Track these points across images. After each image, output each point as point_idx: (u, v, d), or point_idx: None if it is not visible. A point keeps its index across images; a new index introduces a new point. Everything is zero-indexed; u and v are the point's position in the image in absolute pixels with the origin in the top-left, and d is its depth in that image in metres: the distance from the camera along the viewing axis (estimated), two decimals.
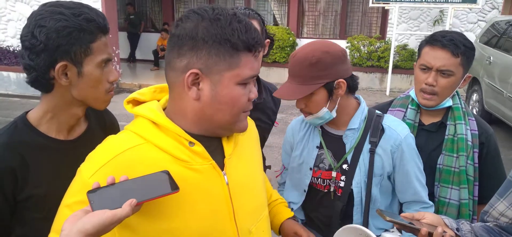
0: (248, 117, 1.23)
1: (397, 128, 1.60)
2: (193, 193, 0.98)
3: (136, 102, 1.09)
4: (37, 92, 1.22)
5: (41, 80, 1.15)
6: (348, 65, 1.55)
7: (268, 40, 1.91)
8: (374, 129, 1.59)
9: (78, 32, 1.12)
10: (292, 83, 1.53)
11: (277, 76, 10.36)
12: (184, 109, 1.01)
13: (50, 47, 1.10)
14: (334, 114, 1.56)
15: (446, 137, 1.72)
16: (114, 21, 9.64)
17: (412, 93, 1.79)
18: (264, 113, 2.01)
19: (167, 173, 0.93)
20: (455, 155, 1.68)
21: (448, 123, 1.73)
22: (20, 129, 1.19)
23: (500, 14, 9.39)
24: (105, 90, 1.23)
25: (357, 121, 1.60)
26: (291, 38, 10.56)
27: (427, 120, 1.79)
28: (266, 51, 1.90)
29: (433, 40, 1.66)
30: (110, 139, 1.02)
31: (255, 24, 1.80)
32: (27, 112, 1.25)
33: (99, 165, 0.94)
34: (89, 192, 0.85)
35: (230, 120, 1.02)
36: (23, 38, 1.13)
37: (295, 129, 1.77)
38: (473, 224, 1.26)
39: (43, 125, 1.22)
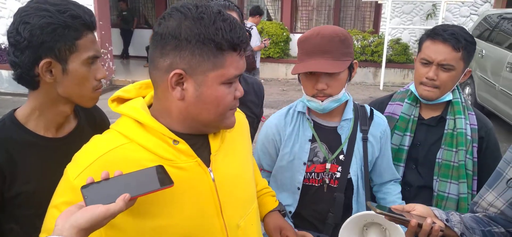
0: (239, 109, 1.23)
1: (380, 115, 1.70)
2: (179, 190, 0.97)
3: (121, 100, 1.07)
4: None
5: (26, 77, 1.15)
6: None
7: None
8: (362, 118, 1.63)
9: (62, 29, 1.11)
10: (324, 59, 1.46)
11: (271, 71, 10.36)
12: (169, 108, 0.99)
13: (34, 44, 1.10)
14: (347, 96, 1.59)
15: (445, 131, 1.72)
16: (107, 17, 9.55)
17: (412, 87, 1.79)
18: (245, 106, 1.94)
19: (162, 167, 0.93)
20: (454, 150, 1.69)
21: (447, 117, 1.73)
22: (8, 127, 1.18)
23: (492, 8, 9.44)
24: (92, 87, 1.23)
25: (350, 110, 1.63)
26: (284, 33, 10.56)
27: (427, 114, 1.79)
28: None
29: (434, 34, 1.65)
30: (95, 139, 1.01)
31: (234, 16, 1.78)
32: (15, 109, 1.24)
33: (84, 166, 0.93)
34: (83, 187, 0.85)
35: (216, 119, 1.01)
36: (8, 35, 1.13)
37: (280, 125, 1.67)
38: (462, 215, 1.28)
39: (31, 122, 1.21)
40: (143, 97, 1.08)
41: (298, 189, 1.64)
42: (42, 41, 1.10)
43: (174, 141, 0.99)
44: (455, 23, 9.64)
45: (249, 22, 6.35)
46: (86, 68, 1.19)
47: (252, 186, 1.23)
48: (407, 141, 1.76)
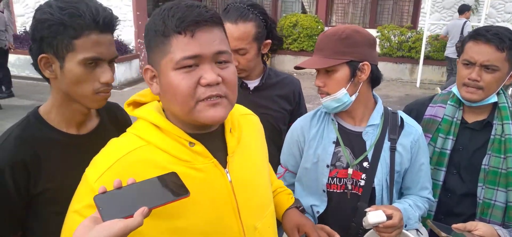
0: (252, 112, 1.25)
1: (414, 123, 1.61)
2: (196, 191, 0.96)
3: (137, 104, 1.08)
4: None
5: (36, 69, 1.19)
6: (375, 54, 1.53)
7: (269, 40, 1.83)
8: (392, 125, 1.57)
9: (57, 26, 1.11)
10: (316, 56, 1.51)
11: None
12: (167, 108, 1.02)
13: (36, 38, 1.15)
14: (352, 98, 1.51)
15: (492, 136, 1.66)
16: (144, 8, 9.75)
17: (454, 89, 1.73)
18: (272, 100, 1.92)
19: (175, 174, 0.90)
20: (502, 156, 1.62)
21: (494, 122, 1.67)
22: (32, 123, 1.21)
23: None
24: (92, 90, 1.19)
25: (378, 116, 1.57)
26: (319, 27, 10.45)
27: (471, 118, 1.72)
28: (265, 50, 1.85)
29: (476, 35, 1.60)
30: (113, 142, 1.02)
31: (249, 25, 1.70)
32: (39, 106, 1.26)
33: (103, 169, 0.93)
34: (96, 197, 0.81)
35: (182, 110, 0.95)
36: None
37: (305, 127, 1.65)
38: None
39: (52, 118, 1.24)
40: (159, 100, 1.08)
41: (324, 191, 1.59)
42: (42, 36, 1.13)
43: (190, 143, 0.99)
44: (499, 21, 9.26)
45: (463, 18, 7.72)
46: (83, 69, 1.16)
47: (269, 189, 1.22)
48: (449, 144, 1.71)
